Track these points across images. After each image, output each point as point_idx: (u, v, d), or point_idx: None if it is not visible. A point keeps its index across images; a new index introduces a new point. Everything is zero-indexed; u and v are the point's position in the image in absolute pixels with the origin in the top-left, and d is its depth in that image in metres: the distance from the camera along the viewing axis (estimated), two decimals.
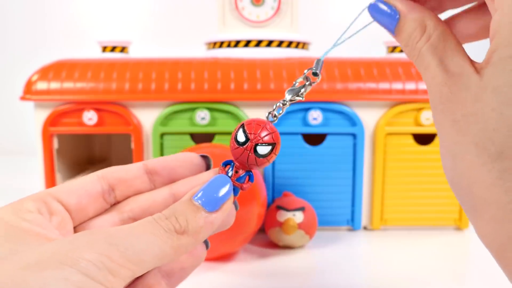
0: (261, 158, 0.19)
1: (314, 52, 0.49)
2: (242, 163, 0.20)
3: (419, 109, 0.41)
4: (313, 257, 0.37)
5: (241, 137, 0.19)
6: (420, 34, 0.18)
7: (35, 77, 0.41)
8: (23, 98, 0.41)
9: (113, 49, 0.48)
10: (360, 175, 0.42)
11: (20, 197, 0.19)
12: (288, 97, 0.21)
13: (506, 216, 0.15)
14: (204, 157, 0.22)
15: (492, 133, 0.15)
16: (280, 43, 0.46)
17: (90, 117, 0.41)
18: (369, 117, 0.41)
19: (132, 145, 0.41)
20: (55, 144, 0.42)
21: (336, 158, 0.41)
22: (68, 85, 0.41)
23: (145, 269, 0.17)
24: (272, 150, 0.19)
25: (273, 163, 0.41)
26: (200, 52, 0.51)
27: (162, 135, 0.41)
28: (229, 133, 0.41)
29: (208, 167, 0.22)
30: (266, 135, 0.19)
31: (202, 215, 0.18)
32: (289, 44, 0.46)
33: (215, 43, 0.47)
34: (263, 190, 0.36)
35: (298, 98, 0.21)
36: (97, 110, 0.41)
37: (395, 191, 0.42)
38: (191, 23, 0.85)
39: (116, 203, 0.21)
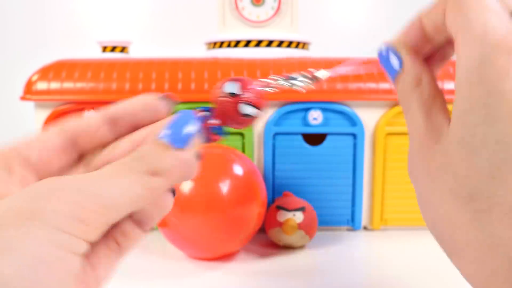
0: (241, 117, 0.19)
1: (314, 52, 0.49)
2: (222, 114, 0.19)
3: None
4: (313, 257, 0.37)
5: (231, 88, 0.19)
6: (415, 87, 0.20)
7: (35, 77, 0.41)
8: (23, 98, 0.41)
9: (113, 49, 0.48)
10: (360, 175, 0.42)
11: None
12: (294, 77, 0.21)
13: (485, 253, 0.16)
14: (165, 98, 0.20)
15: (463, 180, 0.17)
16: (280, 43, 0.46)
17: None
18: (369, 117, 0.41)
19: None
20: None
21: (336, 158, 0.41)
22: (68, 85, 0.41)
23: (121, 214, 0.16)
24: (255, 114, 0.19)
25: (273, 163, 0.41)
26: (200, 52, 0.51)
27: None
28: (229, 133, 0.41)
29: (173, 110, 0.21)
30: (256, 97, 0.19)
31: (172, 153, 0.17)
32: (289, 44, 0.46)
33: (215, 43, 0.47)
34: (263, 190, 0.36)
35: (298, 85, 0.21)
36: (98, 110, 0.41)
37: (395, 191, 0.42)
38: (191, 23, 0.85)
39: (82, 157, 0.20)
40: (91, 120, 0.20)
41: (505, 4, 0.17)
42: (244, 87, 0.19)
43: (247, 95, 0.19)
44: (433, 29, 0.20)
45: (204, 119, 0.19)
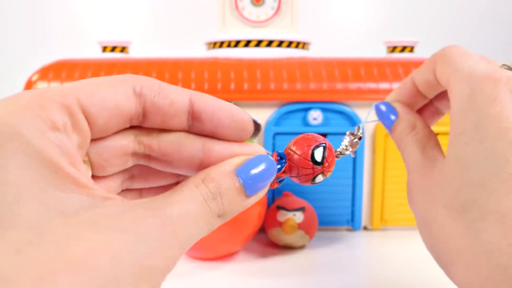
0: (311, 183, 0.19)
1: (314, 52, 0.49)
2: (295, 171, 0.18)
3: None
4: (313, 257, 0.37)
5: (318, 156, 0.18)
6: (410, 131, 0.23)
7: (35, 77, 0.41)
8: None
9: (113, 49, 0.48)
10: (360, 175, 0.42)
11: None
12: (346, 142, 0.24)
13: (480, 259, 0.17)
14: (257, 124, 0.18)
15: (456, 193, 0.19)
16: (280, 43, 0.46)
17: None
18: (369, 117, 0.41)
19: None
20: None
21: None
22: None
23: (183, 252, 0.15)
24: (320, 182, 0.19)
25: None
26: (200, 52, 0.51)
27: None
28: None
29: (253, 137, 0.19)
30: (331, 170, 0.19)
31: (244, 201, 0.16)
32: (289, 44, 0.46)
33: (215, 43, 0.47)
34: None
35: (348, 151, 0.24)
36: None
37: (395, 191, 0.42)
38: (191, 23, 0.85)
39: (137, 126, 0.17)
40: (175, 103, 0.16)
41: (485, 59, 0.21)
42: (330, 159, 0.19)
43: (329, 168, 0.19)
44: (424, 85, 0.23)
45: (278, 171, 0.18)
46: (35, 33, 0.86)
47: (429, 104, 0.25)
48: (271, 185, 0.18)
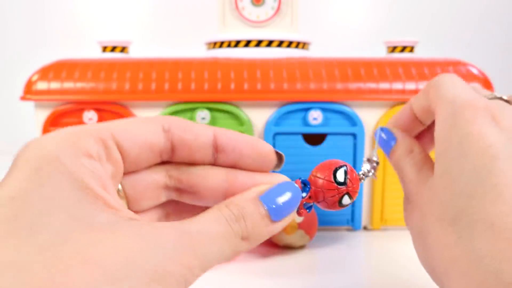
0: (338, 206, 0.19)
1: (314, 52, 0.49)
2: (321, 196, 0.19)
3: None
4: (313, 257, 0.37)
5: (341, 177, 0.19)
6: (408, 154, 0.24)
7: (35, 77, 0.41)
8: (23, 98, 0.41)
9: (113, 49, 0.48)
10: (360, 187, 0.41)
11: None
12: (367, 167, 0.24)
13: (472, 267, 0.18)
14: (279, 155, 0.19)
15: (446, 205, 0.20)
16: (280, 43, 0.46)
17: (90, 117, 0.41)
18: (369, 117, 0.41)
19: None
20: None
21: (336, 158, 0.41)
22: (68, 85, 0.41)
23: (203, 271, 0.16)
24: (349, 205, 0.20)
25: None
26: (200, 52, 0.51)
27: None
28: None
29: (276, 167, 0.20)
30: (356, 191, 0.20)
31: (269, 226, 0.17)
32: (289, 44, 0.46)
33: (215, 43, 0.47)
34: None
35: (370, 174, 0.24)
36: (98, 110, 0.41)
37: (395, 191, 0.42)
38: (191, 23, 0.85)
39: (167, 162, 0.19)
40: (200, 136, 0.18)
41: (475, 88, 0.23)
42: (353, 179, 0.19)
43: (354, 188, 0.19)
44: (421, 112, 0.25)
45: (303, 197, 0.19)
46: (35, 33, 0.86)
47: (426, 131, 0.27)
48: (299, 212, 0.19)
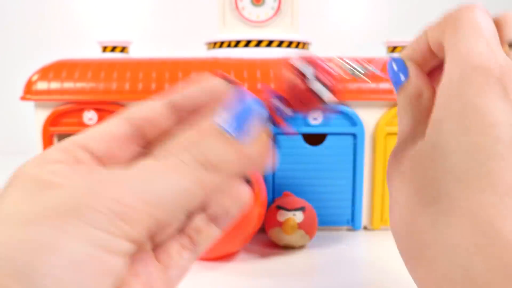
0: (317, 99, 0.17)
1: (314, 52, 0.49)
2: (293, 96, 0.17)
3: None
4: (313, 257, 0.37)
5: (304, 68, 0.17)
6: (415, 100, 0.22)
7: (35, 77, 0.41)
8: (23, 98, 0.41)
9: (113, 49, 0.48)
10: (360, 175, 0.42)
11: None
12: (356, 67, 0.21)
13: (441, 256, 0.17)
14: (228, 82, 0.18)
15: (431, 181, 0.18)
16: (280, 43, 0.46)
17: (90, 117, 0.41)
18: (369, 117, 0.41)
19: None
20: (55, 144, 0.42)
21: (336, 158, 0.41)
22: (68, 85, 0.41)
23: (169, 212, 0.15)
24: (332, 101, 0.17)
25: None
26: (200, 52, 0.51)
27: None
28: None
29: (228, 87, 0.18)
30: (331, 80, 0.17)
31: (230, 144, 0.15)
32: (289, 44, 0.46)
33: (215, 43, 0.47)
34: (263, 190, 0.36)
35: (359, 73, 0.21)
36: (98, 110, 0.41)
37: None
38: (191, 23, 0.85)
39: (149, 147, 0.18)
40: (154, 107, 0.18)
41: (504, 34, 0.20)
42: (317, 68, 0.17)
43: (323, 77, 0.17)
44: (436, 45, 0.21)
45: (270, 104, 0.17)
46: (36, 33, 0.86)
47: (439, 68, 0.23)
48: (279, 122, 0.17)
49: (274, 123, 0.17)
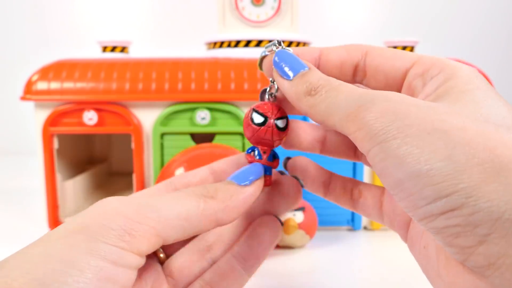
0: (282, 131, 0.21)
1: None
2: (267, 142, 0.21)
3: None
4: (313, 257, 0.37)
5: (258, 119, 0.21)
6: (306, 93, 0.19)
7: (35, 77, 0.41)
8: (23, 98, 0.41)
9: (113, 49, 0.48)
10: (360, 175, 0.42)
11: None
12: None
13: (397, 160, 0.14)
14: (282, 173, 0.23)
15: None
16: None
17: (90, 117, 0.41)
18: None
19: (132, 145, 0.41)
20: (55, 144, 0.42)
21: (336, 158, 0.41)
22: (68, 85, 0.41)
23: (170, 228, 0.16)
24: (287, 122, 0.21)
25: None
26: (200, 52, 0.51)
27: (162, 135, 0.41)
28: (229, 133, 0.41)
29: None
30: (279, 110, 0.21)
31: (233, 186, 0.19)
32: (289, 44, 0.46)
33: (215, 43, 0.47)
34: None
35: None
36: (98, 110, 0.41)
37: None
38: (191, 23, 0.85)
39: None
40: (197, 173, 0.22)
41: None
42: (266, 109, 0.21)
43: (274, 113, 0.21)
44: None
45: (260, 157, 0.21)
46: (35, 33, 0.86)
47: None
48: (273, 165, 0.22)
49: (267, 168, 0.21)
